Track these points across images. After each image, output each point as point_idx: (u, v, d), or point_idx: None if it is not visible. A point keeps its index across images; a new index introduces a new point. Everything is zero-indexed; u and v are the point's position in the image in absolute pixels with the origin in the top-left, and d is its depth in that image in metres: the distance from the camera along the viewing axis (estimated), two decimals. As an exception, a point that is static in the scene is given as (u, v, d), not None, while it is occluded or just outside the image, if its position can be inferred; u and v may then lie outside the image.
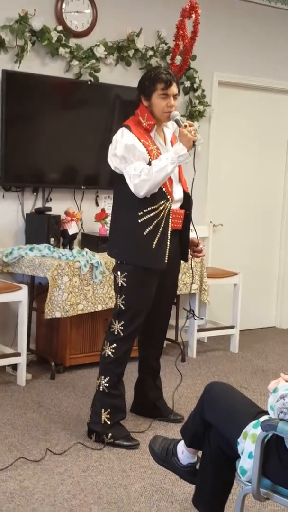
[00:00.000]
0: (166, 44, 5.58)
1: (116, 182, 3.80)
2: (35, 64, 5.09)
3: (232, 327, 5.84)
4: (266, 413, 2.46)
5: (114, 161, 3.70)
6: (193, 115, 5.89)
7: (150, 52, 5.56)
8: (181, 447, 2.91)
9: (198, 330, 5.68)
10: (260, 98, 6.49)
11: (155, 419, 4.15)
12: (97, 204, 5.55)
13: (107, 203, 5.59)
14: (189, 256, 4.08)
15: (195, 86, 5.86)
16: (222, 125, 6.22)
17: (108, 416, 3.82)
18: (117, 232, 3.82)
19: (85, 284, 4.81)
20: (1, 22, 4.89)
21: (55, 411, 4.29)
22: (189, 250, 4.05)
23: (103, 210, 5.41)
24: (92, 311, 4.89)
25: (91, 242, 5.26)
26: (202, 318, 5.41)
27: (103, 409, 3.82)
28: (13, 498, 3.17)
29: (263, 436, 2.33)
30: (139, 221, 3.69)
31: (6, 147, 4.94)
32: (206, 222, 6.11)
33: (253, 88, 6.40)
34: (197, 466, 2.85)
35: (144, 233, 3.69)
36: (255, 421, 2.43)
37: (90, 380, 4.89)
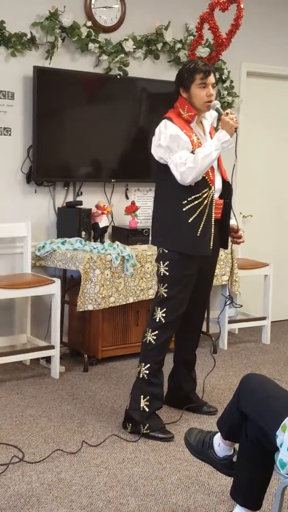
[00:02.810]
0: (194, 36, 5.55)
1: (159, 173, 3.85)
2: (65, 60, 5.12)
3: (263, 318, 5.83)
4: (305, 406, 2.47)
5: (158, 152, 3.76)
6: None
7: (179, 45, 5.56)
8: (217, 439, 2.92)
9: (229, 322, 5.68)
10: (289, 88, 6.46)
11: (184, 409, 4.16)
12: (127, 197, 5.58)
13: (137, 196, 5.62)
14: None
15: (223, 77, 5.85)
16: (251, 116, 6.20)
17: (147, 403, 3.86)
18: (162, 221, 3.88)
19: (116, 277, 4.84)
20: (31, 20, 4.93)
21: (89, 403, 4.33)
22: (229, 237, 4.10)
23: (133, 203, 5.44)
24: (124, 303, 4.92)
25: (121, 235, 5.29)
26: (241, 305, 5.38)
27: (142, 396, 3.87)
28: (51, 490, 3.22)
29: (302, 429, 2.34)
30: (184, 209, 3.75)
31: (38, 142, 4.99)
32: (236, 213, 6.07)
33: (282, 78, 6.36)
34: (234, 459, 2.86)
35: (189, 221, 3.75)
36: (294, 414, 2.44)
37: (122, 372, 4.93)
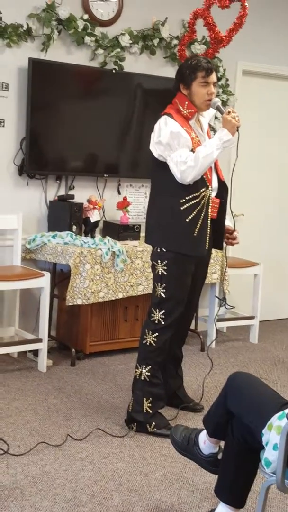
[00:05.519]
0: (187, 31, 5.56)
1: (156, 170, 3.79)
2: (61, 52, 5.11)
3: (252, 317, 5.84)
4: (290, 405, 2.48)
5: (158, 149, 3.69)
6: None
7: (175, 41, 5.56)
8: (203, 436, 2.92)
9: (218, 320, 5.66)
10: (284, 87, 6.45)
11: (180, 408, 4.14)
12: (119, 193, 5.57)
13: (129, 192, 5.61)
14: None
15: (219, 75, 5.84)
16: (246, 115, 6.17)
17: (150, 405, 3.84)
18: (158, 220, 3.80)
19: (106, 272, 4.84)
20: (28, 11, 4.91)
21: (76, 397, 4.33)
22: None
23: (125, 198, 5.43)
24: (113, 298, 4.92)
25: (112, 230, 5.28)
26: (234, 307, 5.35)
27: (144, 398, 3.84)
28: (35, 483, 3.21)
29: (288, 428, 2.34)
30: (181, 208, 3.70)
31: (31, 134, 4.97)
32: (228, 212, 6.08)
33: (277, 77, 6.37)
34: (219, 456, 2.86)
35: (187, 220, 3.71)
36: (280, 413, 2.43)
37: (109, 367, 4.93)
